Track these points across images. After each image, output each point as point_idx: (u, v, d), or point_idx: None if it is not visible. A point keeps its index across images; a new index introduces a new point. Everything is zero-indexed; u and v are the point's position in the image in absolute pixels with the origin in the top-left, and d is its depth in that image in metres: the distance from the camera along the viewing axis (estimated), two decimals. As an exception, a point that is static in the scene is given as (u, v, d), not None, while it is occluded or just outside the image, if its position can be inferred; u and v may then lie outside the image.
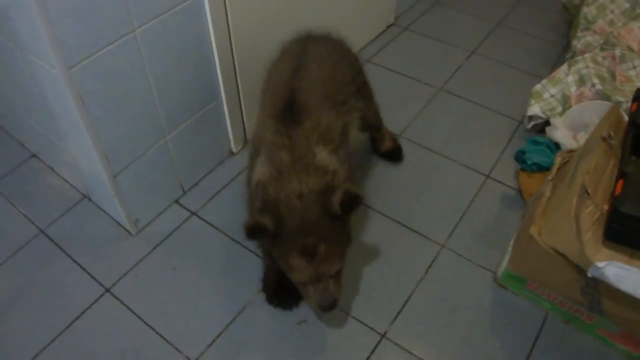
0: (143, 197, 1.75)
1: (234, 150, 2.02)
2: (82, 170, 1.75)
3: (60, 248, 1.76)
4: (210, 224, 1.82)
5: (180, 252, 1.73)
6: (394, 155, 1.99)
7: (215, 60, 1.73)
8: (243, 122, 1.99)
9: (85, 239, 1.78)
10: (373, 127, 1.88)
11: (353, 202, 1.20)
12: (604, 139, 1.34)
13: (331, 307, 1.31)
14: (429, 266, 1.70)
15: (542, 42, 2.58)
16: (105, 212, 1.85)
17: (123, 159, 1.61)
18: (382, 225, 1.81)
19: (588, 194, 1.23)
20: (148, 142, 1.66)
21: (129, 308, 1.60)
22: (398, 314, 1.59)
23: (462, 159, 2.02)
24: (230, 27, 1.71)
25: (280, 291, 1.57)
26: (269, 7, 1.87)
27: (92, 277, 1.68)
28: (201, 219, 1.84)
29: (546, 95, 2.03)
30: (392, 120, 2.12)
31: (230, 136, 1.97)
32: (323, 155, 1.31)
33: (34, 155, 2.07)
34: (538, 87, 2.07)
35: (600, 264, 1.23)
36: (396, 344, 1.52)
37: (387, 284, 1.65)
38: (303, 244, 1.21)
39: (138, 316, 1.58)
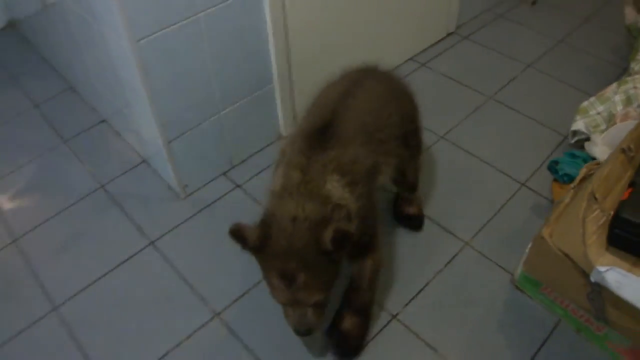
0: (194, 166, 1.92)
1: (283, 134, 2.16)
2: (142, 135, 1.94)
3: (116, 202, 1.96)
4: (252, 197, 1.96)
5: (221, 218, 1.89)
6: (415, 222, 1.85)
7: (270, 49, 1.87)
8: (294, 109, 2.13)
9: (138, 198, 1.97)
10: (408, 184, 1.76)
11: (344, 240, 1.16)
12: (622, 150, 1.37)
13: (304, 334, 1.31)
14: (450, 261, 1.77)
15: (601, 62, 2.57)
16: (159, 175, 2.04)
17: (178, 128, 1.79)
18: (411, 217, 1.90)
19: (596, 199, 1.28)
20: (202, 115, 1.83)
21: (167, 261, 1.77)
22: (412, 299, 1.66)
23: (500, 165, 2.06)
24: (287, 21, 1.85)
25: None
26: (328, 4, 2.00)
27: (140, 230, 1.87)
28: (245, 192, 1.99)
29: (592, 112, 2.05)
30: (437, 122, 2.20)
31: (281, 120, 2.12)
32: (334, 185, 1.26)
33: (103, 121, 2.31)
34: (585, 103, 2.09)
35: (601, 269, 1.27)
36: (405, 326, 1.60)
37: (406, 271, 1.74)
38: (283, 268, 1.19)
39: (175, 269, 1.75)
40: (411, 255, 1.78)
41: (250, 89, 1.91)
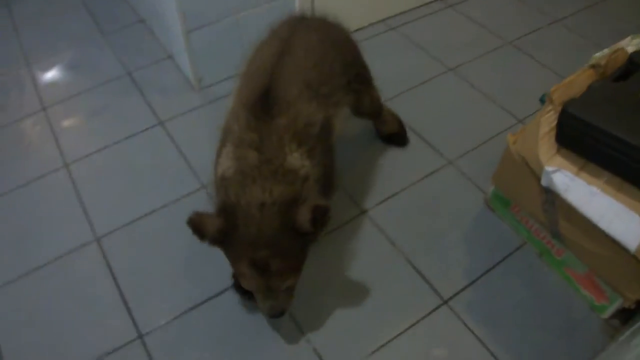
0: (210, 61, 2.07)
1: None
2: (167, 26, 2.11)
3: (137, 87, 2.15)
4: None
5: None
6: (398, 138, 1.88)
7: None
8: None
9: (157, 86, 2.16)
10: (371, 114, 1.76)
11: (324, 216, 1.11)
12: (592, 66, 1.41)
13: (279, 316, 1.27)
14: (429, 174, 1.85)
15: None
16: (180, 69, 2.21)
17: (198, 20, 1.94)
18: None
19: (552, 100, 1.33)
20: (222, 13, 1.97)
21: (172, 139, 1.95)
22: (384, 200, 1.77)
23: (501, 101, 2.11)
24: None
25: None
26: None
27: (153, 111, 2.05)
28: (254, 94, 2.13)
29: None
30: (450, 56, 2.26)
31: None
32: (295, 157, 1.19)
33: (142, 20, 2.49)
34: (598, 54, 2.09)
35: (549, 169, 1.33)
36: (372, 221, 1.71)
37: (385, 176, 1.84)
38: (254, 257, 1.12)
39: (176, 145, 1.92)
40: (393, 164, 1.87)
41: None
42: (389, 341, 1.42)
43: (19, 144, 1.97)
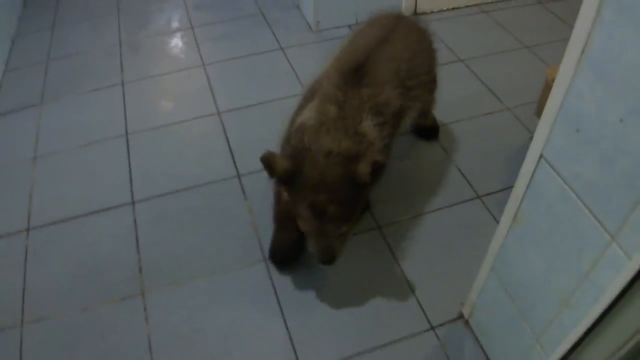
0: (327, 10, 2.55)
1: (403, 9, 2.71)
2: None
3: (267, 23, 2.70)
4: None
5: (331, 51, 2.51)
6: (431, 132, 1.96)
7: None
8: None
9: (283, 24, 2.69)
10: (425, 114, 1.87)
11: (380, 171, 1.21)
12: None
13: (329, 263, 1.33)
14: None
15: None
16: (303, 15, 2.71)
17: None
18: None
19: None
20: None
21: (288, 61, 2.44)
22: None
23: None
24: None
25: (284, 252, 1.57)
26: None
27: (277, 41, 2.57)
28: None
29: None
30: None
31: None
32: (368, 124, 1.30)
33: None
34: None
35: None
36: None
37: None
38: (314, 200, 1.22)
39: (291, 66, 2.41)
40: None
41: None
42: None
43: (172, 49, 2.55)
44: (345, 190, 1.22)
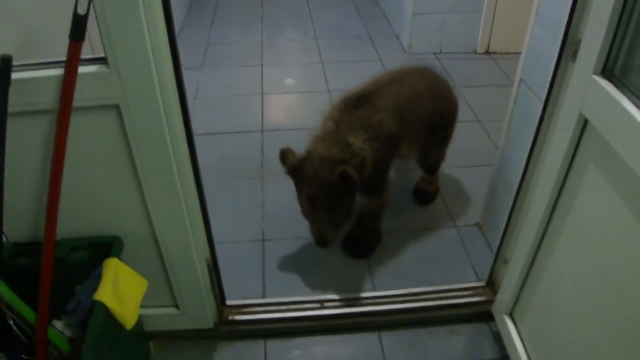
0: (419, 39, 3.33)
1: (478, 50, 3.45)
2: (400, 12, 3.47)
3: (372, 43, 3.54)
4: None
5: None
6: (426, 198, 2.10)
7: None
8: (491, 30, 3.36)
9: (384, 45, 3.51)
10: (429, 167, 2.01)
11: (346, 178, 1.45)
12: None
13: (322, 245, 1.65)
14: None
15: None
16: (399, 39, 3.54)
17: (423, 7, 3.24)
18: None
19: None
20: (440, 8, 3.25)
21: (384, 68, 3.25)
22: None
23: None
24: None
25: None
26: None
27: (377, 54, 3.39)
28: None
29: None
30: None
31: (480, 36, 3.41)
32: (357, 138, 1.52)
33: (384, 17, 3.92)
34: None
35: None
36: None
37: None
38: (309, 191, 1.53)
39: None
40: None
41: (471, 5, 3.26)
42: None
43: (299, 50, 3.46)
44: (330, 187, 1.50)
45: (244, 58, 3.35)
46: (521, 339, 1.43)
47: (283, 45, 3.58)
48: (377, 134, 1.55)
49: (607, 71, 1.01)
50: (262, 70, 3.19)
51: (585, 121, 1.07)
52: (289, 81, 3.10)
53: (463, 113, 2.11)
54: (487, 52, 3.41)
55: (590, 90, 1.03)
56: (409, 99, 1.67)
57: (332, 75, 3.14)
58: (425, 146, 1.84)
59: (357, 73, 3.05)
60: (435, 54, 3.42)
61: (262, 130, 2.62)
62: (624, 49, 0.98)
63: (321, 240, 1.63)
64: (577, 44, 1.11)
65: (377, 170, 1.59)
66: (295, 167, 1.55)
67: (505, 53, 3.38)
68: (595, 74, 1.02)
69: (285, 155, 1.56)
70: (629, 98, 0.94)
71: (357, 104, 1.58)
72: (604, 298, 1.06)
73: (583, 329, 1.13)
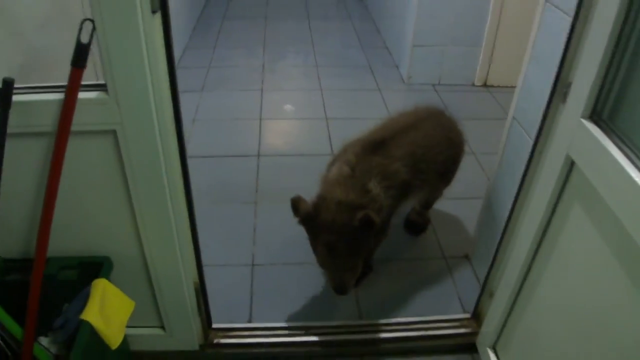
0: (418, 70, 3.39)
1: (476, 83, 3.51)
2: (400, 42, 3.53)
3: (371, 72, 3.58)
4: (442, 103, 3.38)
5: (418, 101, 3.34)
6: (416, 229, 2.13)
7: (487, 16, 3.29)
8: (489, 63, 3.43)
9: (383, 74, 3.57)
10: (426, 205, 2.06)
11: (369, 223, 1.42)
12: None
13: (342, 293, 1.54)
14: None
15: None
16: (399, 70, 3.59)
17: (422, 40, 3.31)
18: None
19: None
20: (435, 41, 3.32)
21: (383, 99, 3.30)
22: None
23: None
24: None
25: None
26: None
27: (377, 83, 3.43)
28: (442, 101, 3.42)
29: None
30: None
31: (477, 69, 3.46)
32: (375, 185, 1.52)
33: (385, 47, 3.99)
34: None
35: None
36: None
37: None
38: (327, 239, 1.46)
39: (385, 102, 3.26)
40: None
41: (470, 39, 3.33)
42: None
43: (300, 76, 3.53)
44: (350, 232, 1.45)
45: (245, 82, 3.41)
46: (504, 373, 1.43)
47: (284, 70, 3.64)
48: (393, 182, 1.57)
49: (595, 115, 1.04)
50: (261, 95, 3.24)
51: (572, 162, 1.10)
52: (288, 107, 3.14)
53: (458, 145, 2.14)
54: (484, 85, 3.46)
55: (578, 133, 1.06)
56: (425, 149, 1.69)
57: (331, 102, 3.18)
58: (431, 190, 1.90)
59: (355, 101, 3.13)
60: (433, 85, 3.47)
61: (259, 155, 2.65)
62: (613, 95, 1.01)
63: (341, 288, 1.55)
64: (568, 86, 1.14)
65: (386, 215, 1.60)
66: (310, 214, 1.49)
67: (502, 87, 3.42)
68: (583, 117, 1.05)
69: (297, 204, 1.50)
70: (614, 143, 0.97)
71: (373, 150, 1.59)
72: (586, 334, 1.07)
73: (565, 364, 1.14)
